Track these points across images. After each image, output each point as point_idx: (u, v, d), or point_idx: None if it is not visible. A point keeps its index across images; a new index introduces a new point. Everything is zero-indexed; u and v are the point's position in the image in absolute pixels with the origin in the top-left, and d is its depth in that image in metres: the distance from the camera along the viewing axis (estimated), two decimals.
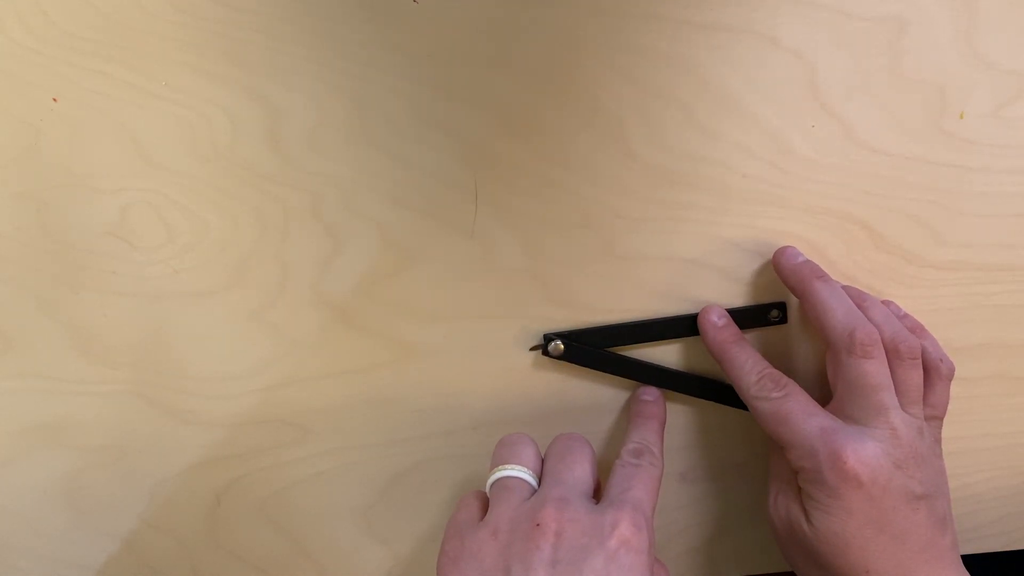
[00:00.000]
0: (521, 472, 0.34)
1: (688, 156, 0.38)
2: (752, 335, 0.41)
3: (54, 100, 0.37)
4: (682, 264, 0.40)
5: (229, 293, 0.40)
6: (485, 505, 0.34)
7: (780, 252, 0.39)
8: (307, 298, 0.40)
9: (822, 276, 0.37)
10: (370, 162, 0.38)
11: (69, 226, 0.39)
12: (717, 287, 0.40)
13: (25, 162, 0.38)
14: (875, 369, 0.35)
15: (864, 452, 0.33)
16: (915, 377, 0.36)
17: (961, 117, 0.38)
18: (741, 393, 0.37)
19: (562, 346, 0.40)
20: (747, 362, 0.38)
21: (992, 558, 0.47)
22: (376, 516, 0.44)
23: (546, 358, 0.40)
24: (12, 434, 0.43)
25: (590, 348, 0.40)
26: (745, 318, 0.40)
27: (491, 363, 0.41)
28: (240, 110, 0.37)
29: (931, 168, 0.39)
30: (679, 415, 0.43)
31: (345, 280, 0.40)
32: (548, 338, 0.40)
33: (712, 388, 0.41)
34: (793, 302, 0.40)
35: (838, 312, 0.36)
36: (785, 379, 0.37)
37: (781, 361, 0.41)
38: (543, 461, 0.35)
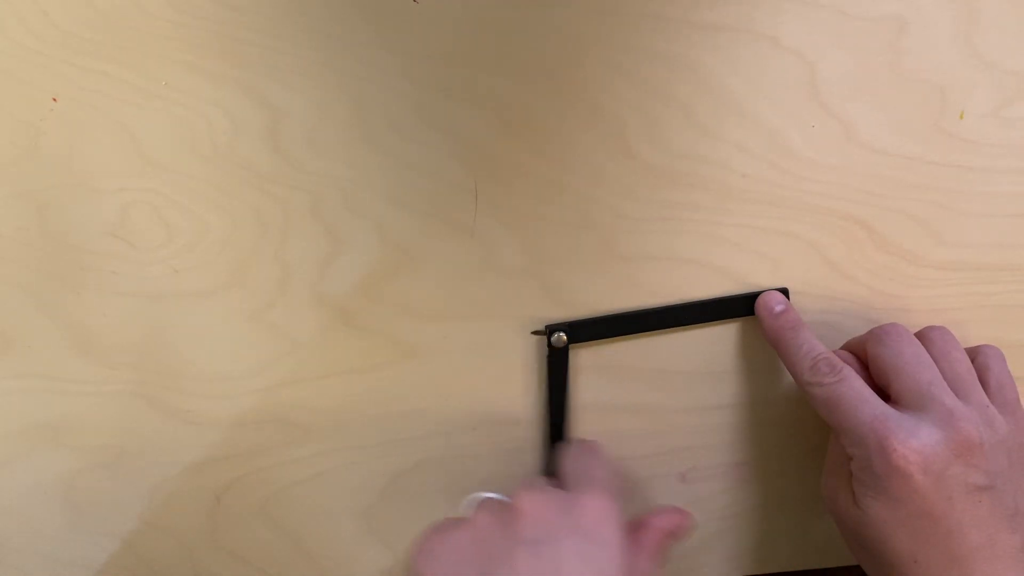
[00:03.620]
0: (498, 496, 0.36)
1: (688, 156, 0.38)
2: (750, 325, 0.41)
3: (54, 100, 0.37)
4: (682, 264, 0.40)
5: (229, 293, 0.40)
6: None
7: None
8: (307, 298, 0.40)
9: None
10: (370, 162, 0.38)
11: (69, 226, 0.39)
12: (717, 287, 0.40)
13: (25, 162, 0.38)
14: (912, 352, 0.35)
15: (915, 441, 0.32)
16: (959, 361, 0.35)
17: (961, 117, 0.38)
18: (796, 379, 0.37)
19: (565, 337, 0.40)
20: (802, 347, 0.37)
21: None
22: (376, 516, 0.44)
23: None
24: (12, 434, 0.43)
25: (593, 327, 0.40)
26: (746, 305, 0.40)
27: (491, 363, 0.41)
28: (240, 110, 0.37)
29: (931, 168, 0.39)
30: (679, 415, 0.43)
31: (345, 280, 0.40)
32: (551, 329, 0.40)
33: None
34: (795, 288, 0.40)
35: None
36: (840, 364, 0.35)
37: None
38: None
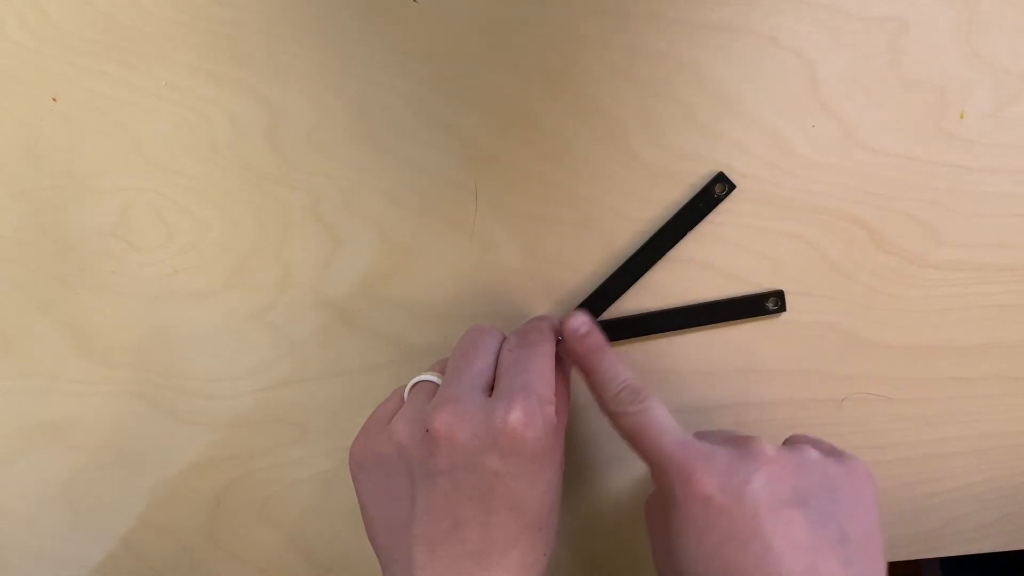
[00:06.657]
0: (434, 377, 0.35)
1: (688, 156, 0.38)
2: (749, 326, 0.41)
3: (54, 100, 0.37)
4: (682, 264, 0.40)
5: (229, 293, 0.40)
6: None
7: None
8: (307, 298, 0.40)
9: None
10: (370, 162, 0.38)
11: (69, 226, 0.39)
12: (717, 287, 0.40)
13: (25, 162, 0.38)
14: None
15: (714, 463, 0.30)
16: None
17: (961, 117, 0.38)
18: (602, 407, 0.35)
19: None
20: (607, 372, 0.35)
21: (993, 558, 0.47)
22: None
23: None
24: (12, 434, 0.43)
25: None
26: (741, 308, 0.40)
27: None
28: (240, 110, 0.37)
29: (931, 168, 0.39)
30: (679, 415, 0.42)
31: (345, 280, 0.40)
32: None
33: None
34: (795, 288, 0.40)
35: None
36: (645, 393, 0.34)
37: (778, 355, 0.41)
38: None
